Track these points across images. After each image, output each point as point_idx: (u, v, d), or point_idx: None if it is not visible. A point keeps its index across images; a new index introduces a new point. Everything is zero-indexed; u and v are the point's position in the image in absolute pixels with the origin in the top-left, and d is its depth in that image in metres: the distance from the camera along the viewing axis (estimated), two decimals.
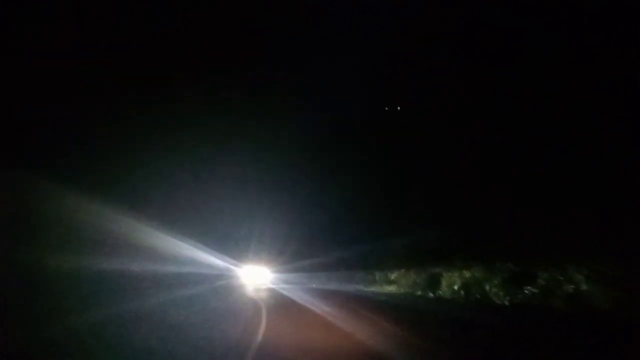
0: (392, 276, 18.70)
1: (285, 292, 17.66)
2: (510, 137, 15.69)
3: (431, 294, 15.63)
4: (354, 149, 21.33)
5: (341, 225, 20.56)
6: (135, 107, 14.22)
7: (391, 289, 17.90)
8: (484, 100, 17.01)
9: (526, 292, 11.87)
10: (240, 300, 15.71)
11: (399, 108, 21.66)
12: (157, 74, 15.16)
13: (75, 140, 11.91)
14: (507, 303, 12.24)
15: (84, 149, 12.21)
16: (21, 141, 10.25)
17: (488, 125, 16.51)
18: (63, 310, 7.93)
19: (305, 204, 21.62)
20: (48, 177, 9.90)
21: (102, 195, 11.17)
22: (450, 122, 17.73)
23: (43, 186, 9.89)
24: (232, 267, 20.45)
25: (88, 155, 12.28)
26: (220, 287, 19.05)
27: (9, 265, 7.99)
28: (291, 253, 21.34)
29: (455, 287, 14.85)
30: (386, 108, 22.05)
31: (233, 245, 20.11)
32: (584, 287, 9.92)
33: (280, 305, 13.85)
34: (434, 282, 16.32)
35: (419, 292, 16.55)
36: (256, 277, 21.09)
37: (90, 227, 10.68)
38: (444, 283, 15.63)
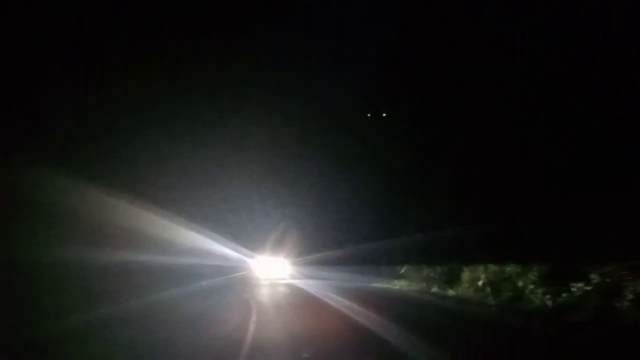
0: (403, 270, 16.43)
1: (300, 285, 16.53)
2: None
3: (451, 292, 13.30)
4: (371, 142, 19.94)
5: (359, 218, 19.28)
6: (155, 101, 14.69)
7: (402, 284, 15.62)
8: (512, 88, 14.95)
9: (574, 290, 9.54)
10: (252, 295, 14.31)
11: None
12: (180, 69, 15.43)
13: (94, 133, 12.33)
14: (549, 304, 9.92)
15: (103, 143, 12.69)
16: (36, 133, 10.34)
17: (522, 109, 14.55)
18: (74, 305, 8.46)
19: (322, 196, 21.13)
20: (67, 171, 10.20)
21: (118, 190, 11.81)
22: (478, 110, 15.67)
23: (61, 180, 10.13)
24: (247, 259, 19.80)
25: (107, 150, 12.76)
26: (234, 280, 18.65)
27: (24, 260, 8.38)
28: (307, 246, 20.43)
29: (479, 283, 12.54)
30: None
31: (249, 237, 19.74)
32: None
33: (295, 299, 12.37)
34: (452, 277, 14.03)
35: (434, 289, 14.24)
36: (272, 270, 19.73)
37: (105, 221, 11.21)
38: (464, 278, 13.33)
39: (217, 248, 18.66)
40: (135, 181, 13.65)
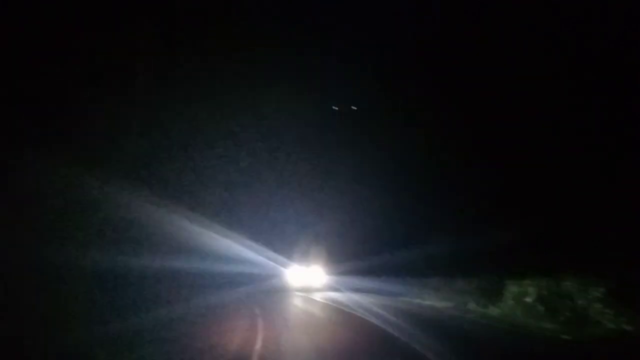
0: (433, 281, 14.40)
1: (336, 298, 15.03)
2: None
3: (494, 310, 11.22)
4: (411, 143, 18.58)
5: (391, 227, 18.47)
6: (188, 109, 15.10)
7: (432, 298, 13.60)
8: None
9: None
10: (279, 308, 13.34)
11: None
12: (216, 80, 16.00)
13: (129, 139, 12.63)
14: (626, 328, 7.82)
15: (138, 149, 12.96)
16: (77, 138, 10.55)
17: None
18: (111, 311, 8.75)
19: (353, 205, 20.69)
20: (103, 176, 10.49)
21: (155, 196, 12.35)
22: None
23: (99, 186, 10.40)
24: (280, 267, 18.94)
25: (142, 155, 13.13)
26: (262, 290, 17.90)
27: (62, 265, 8.44)
28: (339, 254, 19.46)
29: (528, 300, 10.46)
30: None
31: (283, 243, 19.30)
32: None
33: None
34: (492, 292, 11.95)
35: (472, 306, 12.18)
36: (305, 280, 18.39)
37: (141, 226, 11.68)
38: (508, 294, 11.24)
39: (249, 255, 18.29)
40: (171, 186, 14.18)
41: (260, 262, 18.97)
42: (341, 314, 11.51)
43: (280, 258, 19.44)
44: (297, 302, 14.80)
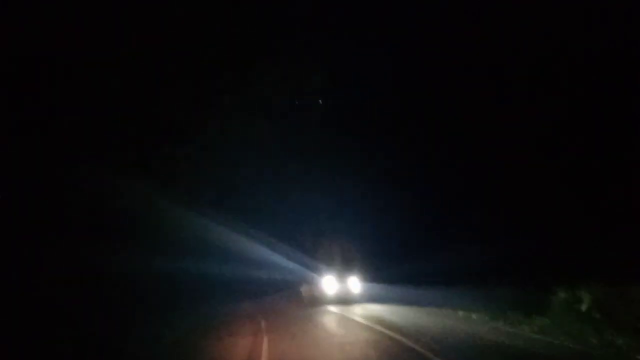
0: (463, 291, 12.85)
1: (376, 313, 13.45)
2: None
3: (543, 319, 9.60)
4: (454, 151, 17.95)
5: (428, 235, 17.77)
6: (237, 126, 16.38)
7: (462, 308, 12.01)
8: None
9: None
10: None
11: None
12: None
13: (182, 154, 14.04)
14: None
15: (192, 165, 14.30)
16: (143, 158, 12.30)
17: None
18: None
19: (390, 214, 20.03)
20: (161, 190, 12.17)
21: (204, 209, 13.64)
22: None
23: (156, 199, 12.03)
24: (315, 274, 17.91)
25: (195, 171, 14.48)
26: (299, 297, 17.84)
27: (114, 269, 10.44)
28: (373, 264, 18.18)
29: (582, 308, 8.88)
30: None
31: (319, 251, 18.32)
32: None
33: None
34: (534, 301, 10.36)
35: (510, 315, 10.56)
36: (341, 287, 16.81)
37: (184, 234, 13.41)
38: (555, 301, 9.66)
39: (286, 262, 18.35)
40: (215, 194, 15.45)
41: (293, 269, 18.45)
42: (368, 331, 10.11)
43: (313, 264, 18.26)
44: (327, 317, 13.36)
